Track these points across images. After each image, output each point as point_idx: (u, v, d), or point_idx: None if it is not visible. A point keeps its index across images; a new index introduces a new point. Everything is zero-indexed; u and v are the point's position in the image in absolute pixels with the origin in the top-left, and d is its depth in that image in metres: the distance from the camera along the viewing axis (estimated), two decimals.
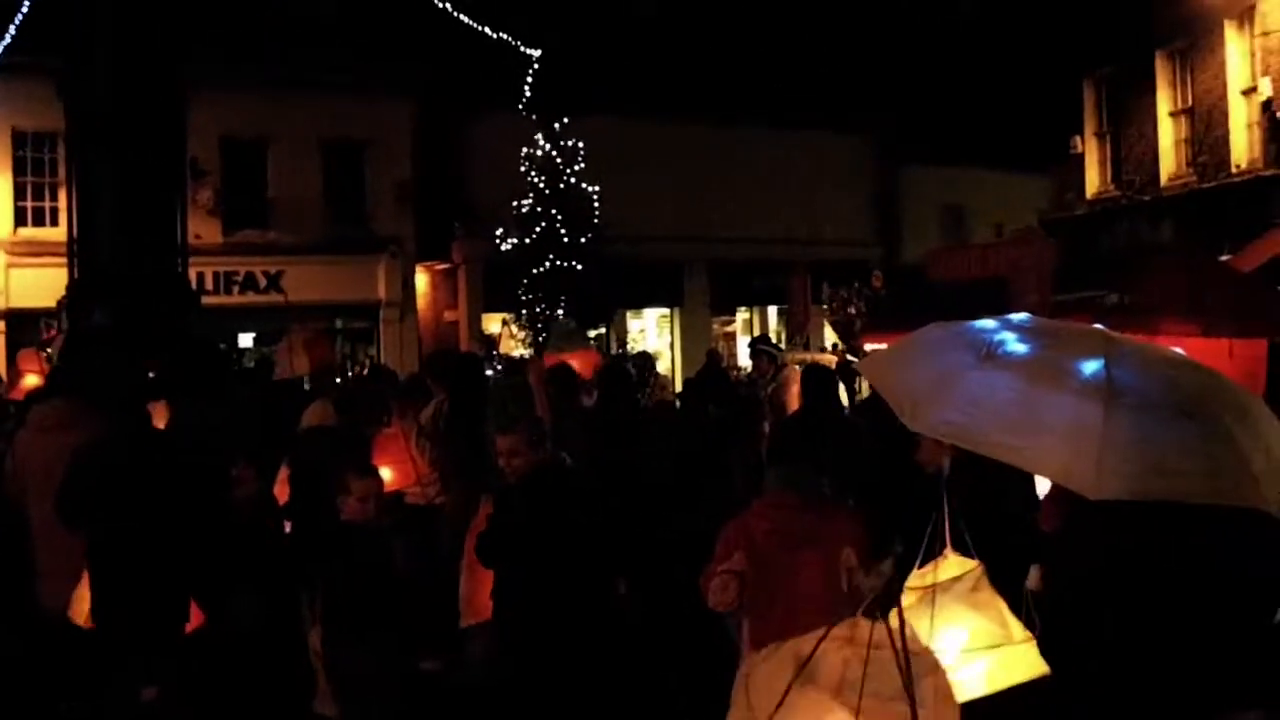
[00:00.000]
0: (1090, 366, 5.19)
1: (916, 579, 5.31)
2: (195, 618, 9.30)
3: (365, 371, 24.64)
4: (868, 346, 21.67)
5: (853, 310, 25.73)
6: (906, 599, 5.32)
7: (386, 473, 9.88)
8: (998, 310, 6.32)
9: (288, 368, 16.88)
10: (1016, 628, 5.23)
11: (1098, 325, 6.00)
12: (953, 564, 5.25)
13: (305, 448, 10.51)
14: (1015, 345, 5.44)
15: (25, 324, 27.46)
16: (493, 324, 36.25)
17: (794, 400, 15.36)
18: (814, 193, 39.49)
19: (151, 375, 13.65)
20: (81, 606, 9.59)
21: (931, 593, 5.19)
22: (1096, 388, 5.10)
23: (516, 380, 12.73)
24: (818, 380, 13.36)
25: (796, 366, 17.35)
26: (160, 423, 11.13)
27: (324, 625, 8.01)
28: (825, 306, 27.36)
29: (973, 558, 5.25)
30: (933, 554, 5.25)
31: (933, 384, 5.47)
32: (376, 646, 8.03)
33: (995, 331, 5.59)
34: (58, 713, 10.04)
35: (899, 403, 5.50)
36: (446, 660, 10.42)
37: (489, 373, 21.70)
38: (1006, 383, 5.27)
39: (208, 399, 12.78)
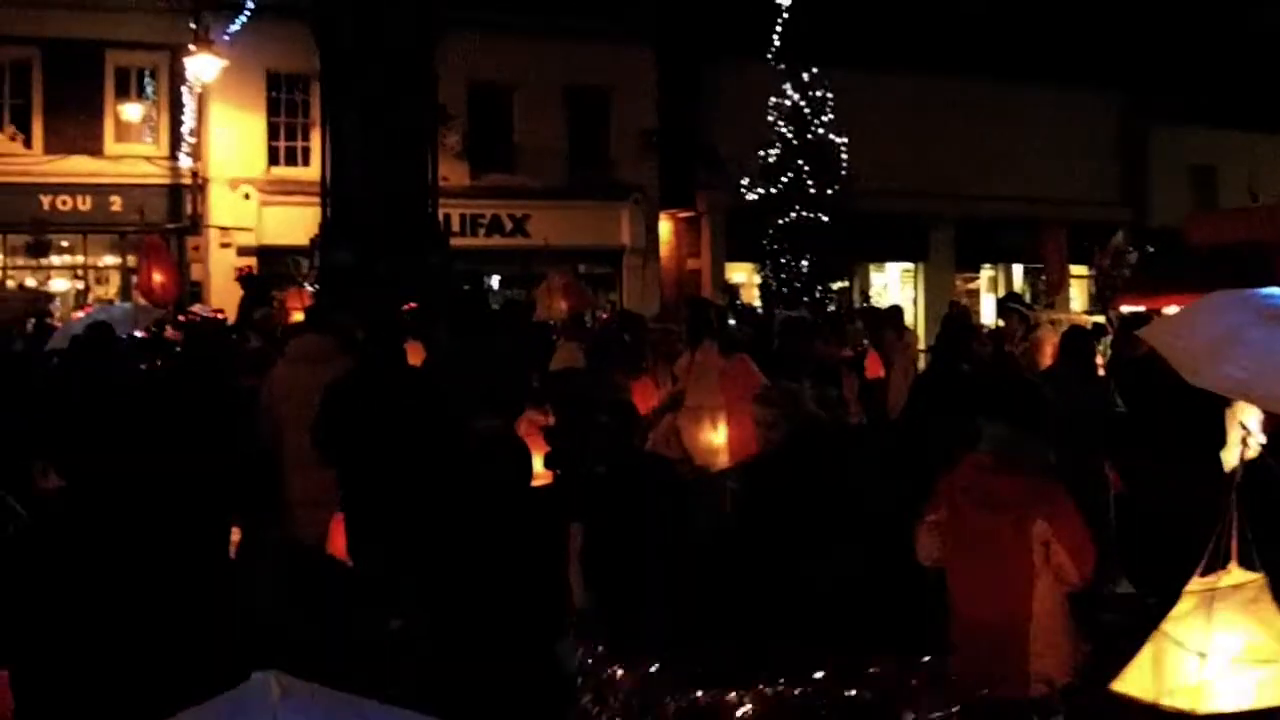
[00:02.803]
0: None
1: (1197, 584, 5.06)
2: None
3: (612, 317, 24.64)
4: (1124, 309, 21.04)
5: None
6: (1184, 603, 5.13)
7: None
8: (1261, 277, 6.14)
9: (545, 309, 17.03)
10: None
11: None
12: (1235, 575, 4.99)
13: (561, 392, 10.42)
14: None
15: (277, 260, 28.13)
16: (736, 273, 36.16)
17: (1046, 361, 14.96)
18: (1060, 150, 38.60)
19: (408, 313, 13.85)
20: (339, 539, 9.75)
21: (1210, 597, 4.96)
22: None
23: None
24: (1077, 342, 12.84)
25: (1050, 325, 16.86)
26: (415, 360, 11.25)
27: (582, 568, 7.95)
28: (1119, 271, 26.47)
29: (1256, 570, 4.98)
30: (1215, 566, 4.99)
31: (1216, 341, 5.40)
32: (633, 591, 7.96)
33: None
34: (291, 637, 10.19)
35: (1181, 362, 5.48)
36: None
37: (731, 322, 21.55)
38: None
39: (463, 339, 12.93)
